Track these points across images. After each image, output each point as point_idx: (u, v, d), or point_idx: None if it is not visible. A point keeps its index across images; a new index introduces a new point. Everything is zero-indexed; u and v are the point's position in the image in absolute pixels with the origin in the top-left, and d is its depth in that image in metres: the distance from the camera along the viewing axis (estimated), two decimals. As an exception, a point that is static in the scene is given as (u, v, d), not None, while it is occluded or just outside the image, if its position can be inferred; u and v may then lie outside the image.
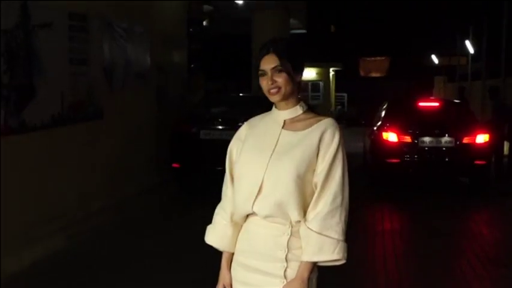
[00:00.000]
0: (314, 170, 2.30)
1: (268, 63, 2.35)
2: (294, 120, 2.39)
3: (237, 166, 2.42)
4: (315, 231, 2.25)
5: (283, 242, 2.30)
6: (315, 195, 2.29)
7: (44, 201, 6.15)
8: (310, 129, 2.34)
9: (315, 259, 2.27)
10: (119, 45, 8.10)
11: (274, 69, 2.34)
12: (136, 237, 6.64)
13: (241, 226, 2.43)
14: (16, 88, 5.61)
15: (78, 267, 5.57)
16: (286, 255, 2.30)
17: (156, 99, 9.66)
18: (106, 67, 7.69)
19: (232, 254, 2.45)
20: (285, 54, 2.35)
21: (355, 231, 6.88)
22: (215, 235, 2.47)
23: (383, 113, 10.23)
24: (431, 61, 33.96)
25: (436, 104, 10.66)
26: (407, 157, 9.22)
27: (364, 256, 6.07)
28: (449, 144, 9.13)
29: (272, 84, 2.34)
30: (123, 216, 7.47)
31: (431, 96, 27.87)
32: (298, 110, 2.39)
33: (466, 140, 9.16)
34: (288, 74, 2.34)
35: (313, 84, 29.02)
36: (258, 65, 2.38)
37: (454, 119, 9.66)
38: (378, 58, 36.40)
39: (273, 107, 2.45)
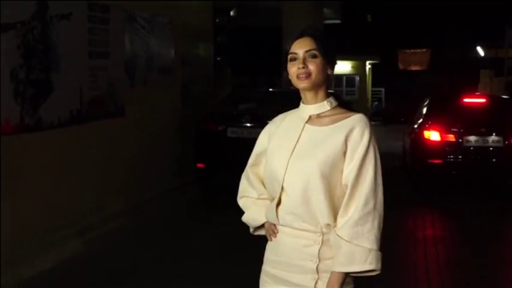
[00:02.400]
0: (341, 171, 2.23)
1: (303, 46, 2.29)
2: (320, 115, 2.33)
3: (265, 165, 2.41)
4: (345, 240, 2.19)
5: (313, 252, 2.26)
6: (345, 198, 2.22)
7: (61, 203, 6.18)
8: (336, 124, 2.28)
9: (346, 270, 2.21)
10: (141, 38, 8.12)
11: (308, 53, 2.28)
12: (156, 243, 6.64)
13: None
14: (32, 83, 5.65)
15: (95, 274, 5.58)
16: (317, 266, 2.26)
17: (181, 95, 9.67)
18: (127, 61, 7.72)
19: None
20: (321, 41, 2.30)
21: (395, 238, 6.79)
22: (257, 211, 2.43)
23: (424, 110, 10.07)
24: (477, 53, 33.44)
25: (482, 100, 10.46)
26: (451, 157, 9.10)
27: (404, 265, 5.97)
28: (497, 144, 8.98)
29: (303, 68, 2.27)
30: (142, 219, 7.49)
31: (477, 91, 27.46)
32: (325, 106, 2.33)
33: None
34: (322, 61, 2.29)
35: (348, 78, 28.84)
36: (287, 49, 2.31)
37: (502, 117, 9.41)
38: (418, 50, 35.98)
39: (300, 103, 2.40)
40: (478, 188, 9.88)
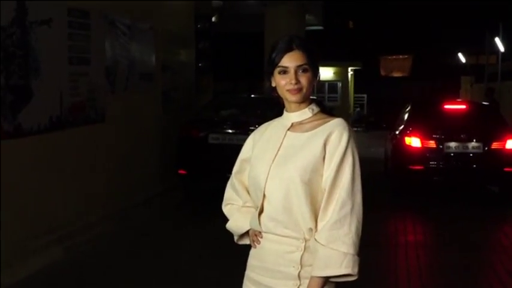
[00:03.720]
0: (322, 175, 2.27)
1: (294, 60, 2.32)
2: (302, 122, 2.38)
3: (248, 173, 2.44)
4: (321, 244, 2.22)
5: (296, 258, 2.29)
6: (323, 202, 2.26)
7: (41, 210, 6.16)
8: (315, 130, 2.32)
9: (322, 274, 2.23)
10: (122, 44, 8.13)
11: (300, 68, 2.33)
12: (139, 250, 6.64)
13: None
14: (11, 89, 5.64)
15: (76, 281, 5.56)
16: (299, 273, 2.28)
17: (162, 101, 9.68)
18: (108, 67, 7.72)
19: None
20: (311, 54, 2.35)
21: (377, 243, 6.84)
22: (242, 219, 2.46)
23: (406, 116, 10.21)
24: (458, 60, 33.80)
25: (463, 106, 10.60)
26: (432, 163, 9.22)
27: (386, 270, 6.03)
28: (476, 150, 9.12)
29: (296, 84, 2.32)
30: (125, 226, 7.47)
31: (458, 97, 27.72)
32: (307, 113, 2.38)
33: (495, 146, 9.13)
34: (311, 74, 2.34)
35: (330, 84, 28.95)
36: (275, 61, 2.34)
37: (482, 123, 9.60)
38: (400, 57, 36.32)
39: (284, 111, 2.44)
40: (459, 194, 9.99)
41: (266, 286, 2.35)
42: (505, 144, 9.12)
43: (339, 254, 2.20)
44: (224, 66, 21.49)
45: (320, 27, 21.02)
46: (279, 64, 2.33)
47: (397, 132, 10.08)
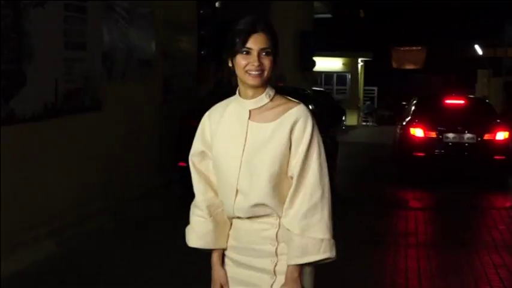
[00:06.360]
0: (288, 164, 2.40)
1: (258, 42, 2.38)
2: (261, 109, 2.44)
3: (214, 167, 2.52)
4: (296, 233, 2.36)
5: (271, 235, 2.42)
6: (291, 190, 2.38)
7: (33, 201, 6.18)
8: (279, 120, 2.40)
9: (300, 262, 2.37)
10: (121, 28, 8.13)
11: (263, 51, 2.39)
12: (136, 245, 6.65)
13: (225, 218, 2.52)
14: (4, 74, 5.65)
15: (68, 277, 5.58)
16: (276, 249, 2.42)
17: (162, 90, 9.68)
18: (105, 53, 7.72)
19: (222, 250, 2.54)
20: (274, 37, 2.42)
21: (378, 239, 6.85)
22: (195, 235, 2.56)
23: (412, 109, 12.08)
24: (475, 52, 33.67)
25: (461, 101, 12.42)
26: (432, 151, 11.06)
27: (384, 270, 6.06)
28: (471, 140, 10.97)
29: (259, 66, 2.37)
30: (121, 220, 7.49)
31: (473, 92, 27.69)
32: (264, 99, 2.44)
33: (487, 137, 10.96)
34: (272, 58, 2.40)
35: (339, 76, 28.94)
36: (238, 42, 2.37)
37: (477, 116, 11.48)
38: (413, 48, 36.16)
39: (237, 94, 2.50)
40: (455, 178, 11.38)
41: (245, 264, 2.47)
42: (495, 135, 11.00)
43: (316, 241, 2.36)
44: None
45: (329, 15, 20.99)
46: (244, 45, 2.38)
47: (404, 123, 11.84)
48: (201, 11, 11.93)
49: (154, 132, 9.41)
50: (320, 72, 26.61)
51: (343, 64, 28.93)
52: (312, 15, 17.82)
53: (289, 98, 2.48)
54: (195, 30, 11.42)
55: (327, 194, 2.40)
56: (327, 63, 27.10)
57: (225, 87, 11.68)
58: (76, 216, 6.88)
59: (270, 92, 2.45)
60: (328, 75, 28.63)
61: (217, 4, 13.80)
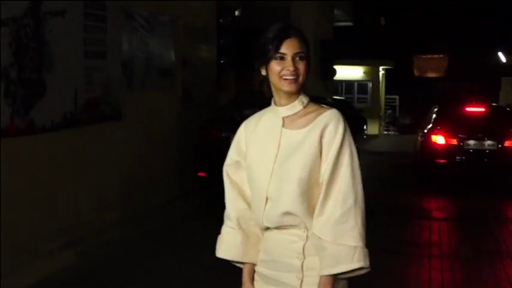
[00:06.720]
0: (320, 170, 2.33)
1: (291, 47, 2.35)
2: (294, 117, 2.41)
3: (247, 176, 2.48)
4: (328, 240, 2.27)
5: (298, 249, 2.35)
6: (320, 197, 2.30)
7: (53, 211, 6.19)
8: (310, 125, 2.36)
9: (333, 271, 2.28)
10: (140, 37, 8.16)
11: (297, 55, 2.36)
12: (155, 255, 6.64)
13: (257, 231, 2.47)
14: (24, 84, 5.68)
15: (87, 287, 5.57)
16: (302, 264, 2.34)
17: (181, 99, 9.70)
18: (125, 61, 7.75)
19: (253, 266, 2.49)
20: (306, 43, 2.39)
21: (401, 250, 6.77)
22: (224, 246, 2.52)
23: (433, 116, 12.29)
24: (498, 59, 33.39)
25: (482, 109, 12.61)
26: (454, 158, 11.29)
27: (407, 281, 5.98)
28: (491, 147, 11.20)
29: (294, 71, 2.34)
30: (141, 230, 7.48)
31: (497, 100, 27.44)
32: (297, 106, 2.40)
33: (507, 144, 11.16)
34: (307, 63, 2.38)
35: (360, 84, 28.81)
36: (271, 48, 2.34)
37: (497, 124, 11.64)
38: (435, 56, 35.91)
39: (272, 103, 2.47)
40: (477, 185, 11.50)
41: (272, 279, 2.41)
42: None
43: (349, 248, 2.27)
44: (247, 63, 21.51)
45: (349, 24, 20.93)
46: (278, 51, 2.35)
47: (425, 131, 12.04)
48: (221, 20, 11.96)
49: (174, 141, 9.41)
50: (341, 81, 26.55)
51: (364, 72, 28.79)
52: (332, 23, 17.78)
53: (323, 105, 2.44)
54: (214, 38, 11.44)
55: (360, 202, 2.31)
56: (348, 72, 27.02)
57: (245, 96, 11.70)
58: (95, 226, 6.89)
59: (303, 99, 2.41)
60: (349, 83, 28.51)
61: (236, 13, 13.84)
